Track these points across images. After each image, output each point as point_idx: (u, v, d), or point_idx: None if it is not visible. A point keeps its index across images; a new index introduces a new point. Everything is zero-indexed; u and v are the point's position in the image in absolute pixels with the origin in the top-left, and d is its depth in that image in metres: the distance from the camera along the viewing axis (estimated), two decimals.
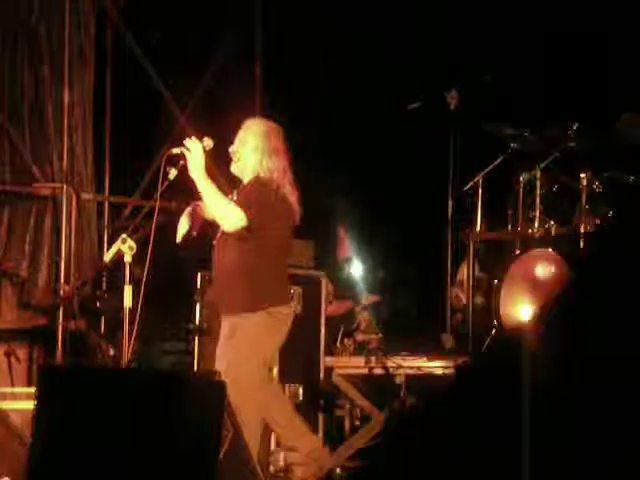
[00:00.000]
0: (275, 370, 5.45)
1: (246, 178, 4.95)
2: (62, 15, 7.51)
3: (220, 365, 4.71)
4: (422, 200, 7.30)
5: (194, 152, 4.66)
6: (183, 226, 4.96)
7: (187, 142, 4.69)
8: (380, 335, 6.91)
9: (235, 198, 4.88)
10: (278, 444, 5.97)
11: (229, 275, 4.78)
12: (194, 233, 4.94)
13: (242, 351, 4.73)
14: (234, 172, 4.97)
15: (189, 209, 4.98)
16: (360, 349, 6.67)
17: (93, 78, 7.86)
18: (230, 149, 4.96)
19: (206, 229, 5.07)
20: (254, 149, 4.88)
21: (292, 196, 4.87)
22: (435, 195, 6.74)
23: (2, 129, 7.67)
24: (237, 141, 4.95)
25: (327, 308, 7.16)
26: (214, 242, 4.96)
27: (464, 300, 6.67)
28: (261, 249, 4.81)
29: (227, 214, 4.72)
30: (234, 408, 4.44)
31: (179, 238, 4.98)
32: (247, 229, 4.73)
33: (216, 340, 5.21)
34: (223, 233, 4.87)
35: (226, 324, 4.82)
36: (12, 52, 7.70)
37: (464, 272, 6.78)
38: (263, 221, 4.76)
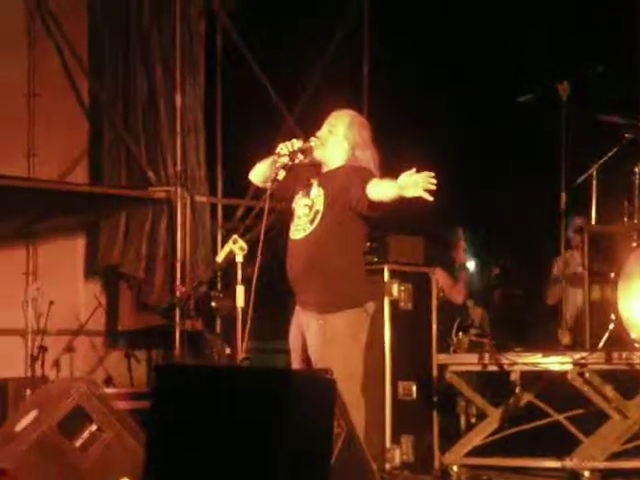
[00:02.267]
0: None
1: (331, 166, 4.83)
2: (173, 20, 7.64)
3: (324, 365, 4.65)
4: (534, 193, 7.19)
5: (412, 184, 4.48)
6: (264, 166, 4.83)
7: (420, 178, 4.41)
8: (491, 339, 6.82)
9: (317, 183, 4.78)
10: (394, 440, 5.97)
11: (323, 272, 4.68)
12: (272, 185, 4.73)
13: (350, 350, 4.69)
14: (317, 157, 4.82)
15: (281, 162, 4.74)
16: (473, 346, 6.61)
17: (204, 81, 7.99)
18: (317, 134, 4.88)
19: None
20: (345, 139, 4.83)
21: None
22: (548, 188, 6.63)
23: (118, 135, 7.86)
24: (326, 128, 4.88)
25: (451, 293, 7.12)
26: (293, 238, 4.81)
27: (558, 296, 6.55)
28: (360, 241, 4.77)
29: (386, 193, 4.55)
30: (347, 407, 4.46)
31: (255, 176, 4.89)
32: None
33: None
34: (313, 230, 4.75)
35: (321, 323, 4.67)
36: (125, 58, 7.89)
37: (558, 268, 6.65)
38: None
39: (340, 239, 4.70)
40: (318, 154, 4.82)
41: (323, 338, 4.66)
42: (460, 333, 6.61)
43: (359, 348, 4.73)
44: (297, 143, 4.81)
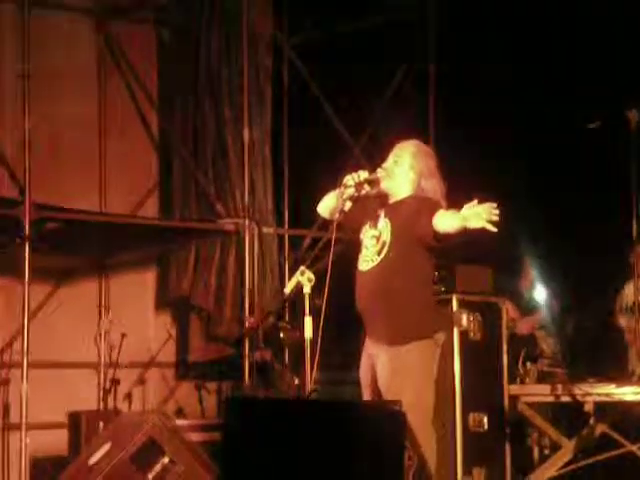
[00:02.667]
0: None
1: (397, 196, 4.84)
2: (241, 55, 7.73)
3: (393, 397, 4.63)
4: (605, 222, 7.10)
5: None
6: (332, 200, 4.86)
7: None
8: (564, 370, 6.73)
9: (382, 213, 4.80)
10: (465, 472, 5.91)
11: (393, 303, 4.69)
12: (339, 216, 4.77)
13: (421, 381, 4.67)
14: (384, 188, 4.83)
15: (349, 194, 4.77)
16: (544, 377, 6.52)
17: (271, 114, 8.07)
18: (383, 166, 4.90)
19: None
20: (410, 169, 4.83)
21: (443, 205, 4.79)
22: (618, 216, 6.54)
23: (188, 169, 7.96)
24: (391, 159, 4.90)
25: (517, 326, 7.06)
26: (360, 269, 4.82)
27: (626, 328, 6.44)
28: (428, 271, 4.76)
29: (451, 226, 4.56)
30: (417, 439, 4.43)
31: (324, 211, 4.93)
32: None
33: None
34: (381, 261, 4.76)
35: (391, 355, 4.67)
36: (194, 92, 8.01)
37: (624, 298, 6.55)
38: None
39: (408, 270, 4.69)
40: (384, 185, 4.83)
41: (393, 370, 4.65)
42: (528, 363, 6.54)
43: (429, 379, 4.70)
44: (363, 174, 4.83)
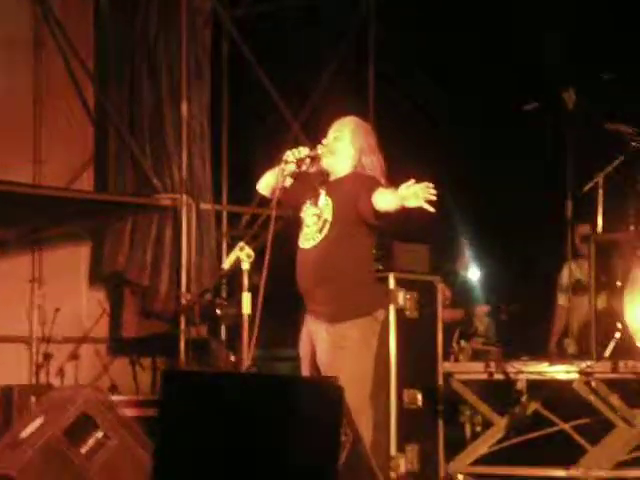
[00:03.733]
0: None
1: (338, 174, 4.82)
2: (179, 28, 7.65)
3: (333, 373, 4.65)
4: (540, 202, 7.19)
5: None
6: (271, 177, 4.82)
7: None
8: (499, 348, 6.81)
9: (323, 191, 4.79)
10: (399, 448, 5.95)
11: (334, 281, 4.69)
12: (279, 193, 4.74)
13: (360, 357, 4.69)
14: (324, 166, 4.80)
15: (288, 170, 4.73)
16: (478, 355, 6.60)
17: (210, 90, 8.00)
18: (323, 142, 4.86)
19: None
20: (351, 145, 4.82)
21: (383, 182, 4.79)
22: (553, 197, 6.63)
23: (123, 142, 7.87)
24: (331, 135, 4.87)
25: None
26: (302, 247, 4.79)
27: (565, 305, 6.54)
28: (368, 249, 4.77)
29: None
30: (353, 415, 4.45)
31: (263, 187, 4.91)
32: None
33: None
34: (322, 239, 4.75)
35: (331, 331, 4.67)
36: (131, 65, 7.91)
37: (565, 277, 6.65)
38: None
39: (349, 248, 4.69)
40: (325, 162, 4.82)
41: (332, 346, 4.66)
42: (462, 341, 6.61)
43: (369, 356, 4.72)
44: (304, 150, 4.81)
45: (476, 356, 6.58)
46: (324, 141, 4.85)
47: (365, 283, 4.75)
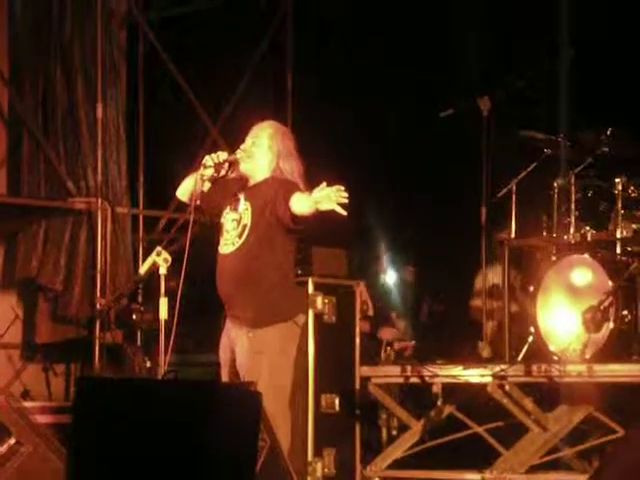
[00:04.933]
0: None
1: (257, 178, 4.84)
2: (94, 31, 7.57)
3: (252, 378, 4.65)
4: (456, 207, 7.28)
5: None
6: (190, 183, 4.79)
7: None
8: (413, 342, 6.89)
9: (242, 196, 4.79)
10: (316, 453, 5.96)
11: (254, 286, 4.68)
12: (198, 197, 4.74)
13: (280, 362, 4.69)
14: (243, 171, 4.84)
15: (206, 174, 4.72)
16: (398, 357, 6.66)
17: (125, 92, 7.92)
18: (241, 147, 4.87)
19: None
20: (269, 150, 4.82)
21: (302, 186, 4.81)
22: (468, 202, 6.71)
23: (37, 145, 7.74)
24: (249, 140, 4.88)
25: (380, 330, 7.23)
26: (221, 252, 4.80)
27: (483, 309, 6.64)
28: (288, 254, 4.77)
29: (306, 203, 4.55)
30: (271, 419, 4.45)
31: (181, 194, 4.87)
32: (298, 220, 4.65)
33: None
34: (242, 245, 4.73)
35: (251, 336, 4.69)
36: (45, 67, 7.78)
37: (481, 281, 6.75)
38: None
39: (269, 253, 4.70)
40: (243, 167, 4.82)
41: (251, 351, 4.66)
42: (388, 347, 6.68)
43: (288, 361, 4.73)
44: (222, 155, 4.81)
45: (398, 357, 6.64)
46: (242, 146, 4.85)
47: (285, 288, 4.75)
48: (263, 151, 4.82)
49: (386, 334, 7.28)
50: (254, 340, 4.67)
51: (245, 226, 4.74)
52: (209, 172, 4.76)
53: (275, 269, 4.71)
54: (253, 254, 4.68)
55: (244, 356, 4.69)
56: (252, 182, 4.85)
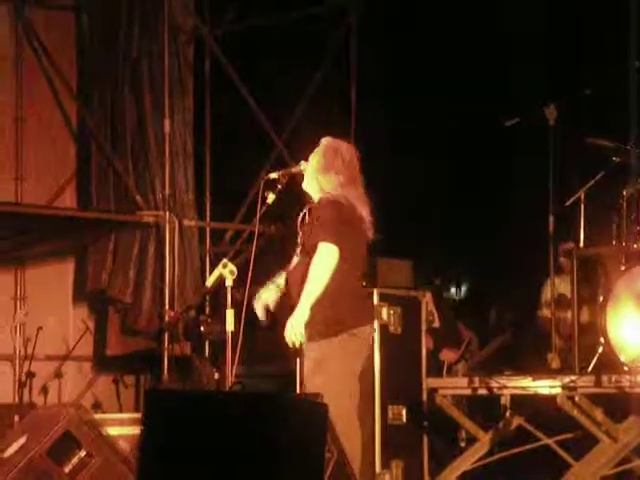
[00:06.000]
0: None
1: (314, 197, 4.89)
2: (162, 45, 7.66)
3: (315, 389, 4.67)
4: (523, 217, 7.22)
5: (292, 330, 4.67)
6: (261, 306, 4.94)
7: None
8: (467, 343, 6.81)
9: (307, 219, 4.85)
10: (383, 465, 5.94)
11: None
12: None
13: (332, 373, 4.69)
14: (304, 188, 4.91)
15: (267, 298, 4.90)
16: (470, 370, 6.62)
17: (193, 107, 8.01)
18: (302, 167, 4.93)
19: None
20: (313, 167, 4.87)
21: (362, 208, 4.81)
22: (536, 212, 6.65)
23: (106, 159, 7.86)
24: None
25: (443, 352, 7.21)
26: (289, 270, 4.88)
27: (552, 320, 6.56)
28: (342, 268, 4.76)
29: (325, 267, 4.67)
30: (337, 432, 4.45)
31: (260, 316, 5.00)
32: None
33: None
34: (301, 259, 4.78)
35: (312, 347, 4.72)
36: (114, 83, 7.90)
37: (549, 292, 6.66)
38: (341, 242, 4.72)
39: None
40: (303, 185, 4.88)
41: (313, 363, 4.66)
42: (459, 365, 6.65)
43: (352, 372, 4.72)
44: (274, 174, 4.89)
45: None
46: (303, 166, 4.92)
47: (342, 300, 4.74)
48: (311, 170, 4.87)
49: (448, 356, 7.25)
50: (314, 352, 4.68)
51: (302, 243, 4.80)
52: (273, 178, 4.84)
53: (333, 282, 4.70)
54: (305, 272, 4.72)
55: (307, 368, 4.71)
56: (311, 201, 4.91)
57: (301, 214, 4.89)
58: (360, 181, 4.87)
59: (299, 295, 4.72)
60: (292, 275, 4.81)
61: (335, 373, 4.66)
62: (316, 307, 4.67)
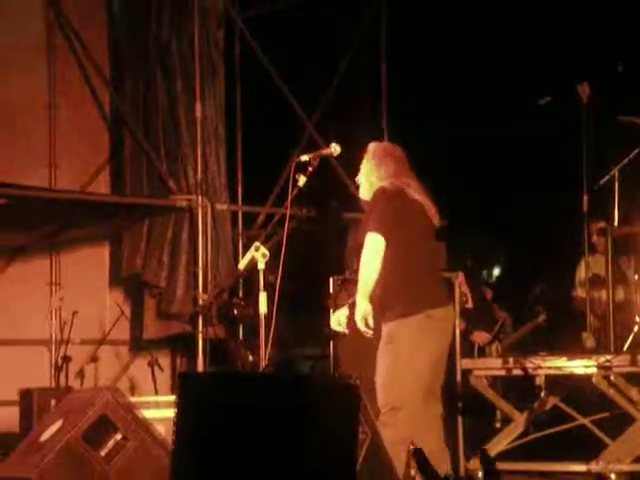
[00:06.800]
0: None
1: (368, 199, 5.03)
2: (192, 30, 7.67)
3: (379, 369, 4.73)
4: (556, 196, 7.16)
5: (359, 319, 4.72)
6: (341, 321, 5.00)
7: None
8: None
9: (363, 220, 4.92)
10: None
11: (380, 284, 4.77)
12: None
13: (402, 354, 4.71)
14: (362, 198, 5.02)
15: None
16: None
17: (224, 90, 8.01)
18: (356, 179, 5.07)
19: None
20: (365, 173, 4.96)
21: (418, 195, 4.82)
22: (570, 190, 6.60)
23: (139, 145, 7.89)
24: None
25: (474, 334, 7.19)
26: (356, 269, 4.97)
27: (587, 299, 6.50)
28: (399, 253, 4.77)
29: (372, 257, 4.73)
30: (390, 411, 4.50)
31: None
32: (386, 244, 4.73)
33: (351, 344, 5.24)
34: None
35: (384, 330, 4.81)
36: (145, 68, 7.93)
37: (583, 271, 6.61)
38: (394, 228, 4.72)
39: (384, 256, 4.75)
40: (360, 193, 4.98)
41: (387, 339, 4.75)
42: (494, 344, 6.63)
43: (423, 353, 4.72)
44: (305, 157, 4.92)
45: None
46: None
47: (402, 284, 4.78)
48: (369, 176, 4.93)
49: (479, 337, 7.23)
50: (383, 332, 4.77)
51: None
52: (305, 160, 4.86)
53: (387, 269, 4.73)
54: None
55: (382, 344, 4.79)
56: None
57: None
58: (412, 173, 4.91)
59: (375, 295, 4.80)
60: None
61: (404, 352, 4.69)
62: (392, 290, 4.74)
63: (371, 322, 4.71)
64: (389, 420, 4.60)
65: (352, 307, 4.95)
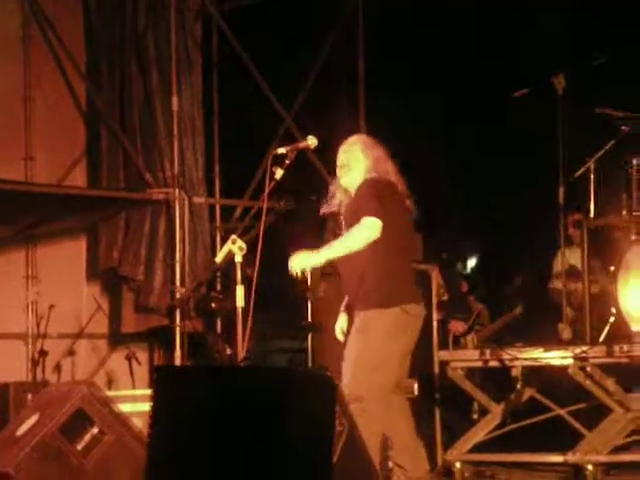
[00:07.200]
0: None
1: (354, 187, 4.99)
2: (168, 22, 7.64)
3: (348, 355, 4.73)
4: (532, 187, 7.19)
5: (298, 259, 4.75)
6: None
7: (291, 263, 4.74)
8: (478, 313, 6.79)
9: (346, 203, 4.90)
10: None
11: (362, 272, 4.77)
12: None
13: (374, 343, 4.74)
14: (343, 185, 5.02)
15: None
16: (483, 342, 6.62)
17: (201, 83, 7.99)
18: (337, 164, 5.03)
19: None
20: (363, 162, 4.94)
21: (400, 186, 4.86)
22: (545, 182, 6.62)
23: (115, 137, 7.86)
24: (343, 156, 5.01)
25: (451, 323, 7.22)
26: (338, 261, 4.94)
27: (563, 291, 6.53)
28: (389, 243, 4.79)
29: (362, 237, 4.73)
30: (356, 400, 4.50)
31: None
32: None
33: (328, 337, 5.24)
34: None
35: (358, 318, 4.83)
36: (121, 61, 7.89)
37: (560, 263, 6.64)
38: (385, 212, 4.75)
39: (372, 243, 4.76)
40: (343, 181, 4.98)
41: (362, 327, 4.77)
42: (469, 335, 6.65)
43: (394, 346, 4.74)
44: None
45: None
46: (338, 162, 5.00)
47: (385, 276, 4.82)
48: (358, 164, 4.89)
49: (456, 327, 7.26)
50: (357, 321, 4.82)
51: (348, 227, 4.89)
52: (281, 153, 4.86)
53: (369, 258, 4.73)
54: (356, 256, 4.79)
55: (356, 328, 4.83)
56: (351, 191, 4.94)
57: (337, 203, 4.94)
58: (390, 160, 4.92)
59: (353, 282, 4.79)
60: (342, 265, 4.87)
61: (377, 342, 4.71)
62: (375, 280, 4.76)
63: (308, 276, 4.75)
64: (356, 410, 4.62)
65: (347, 309, 4.98)
